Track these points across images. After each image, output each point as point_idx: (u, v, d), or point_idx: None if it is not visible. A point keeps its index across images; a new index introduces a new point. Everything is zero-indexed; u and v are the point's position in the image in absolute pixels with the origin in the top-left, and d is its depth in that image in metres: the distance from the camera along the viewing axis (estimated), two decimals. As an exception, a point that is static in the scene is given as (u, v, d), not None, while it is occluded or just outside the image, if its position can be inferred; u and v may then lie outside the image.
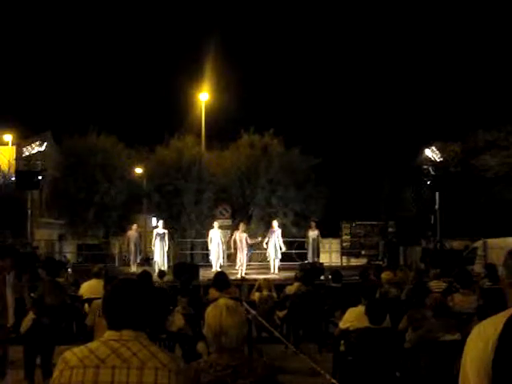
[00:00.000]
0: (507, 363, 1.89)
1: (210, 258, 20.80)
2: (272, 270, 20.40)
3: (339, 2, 62.39)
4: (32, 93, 51.14)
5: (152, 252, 21.18)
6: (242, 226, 20.25)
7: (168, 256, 21.10)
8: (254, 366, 3.21)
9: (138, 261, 21.40)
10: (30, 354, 6.95)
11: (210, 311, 3.28)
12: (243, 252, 19.67)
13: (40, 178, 21.18)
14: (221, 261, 20.74)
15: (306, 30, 65.53)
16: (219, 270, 19.00)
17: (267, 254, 20.76)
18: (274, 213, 27.00)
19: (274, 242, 20.33)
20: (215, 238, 20.57)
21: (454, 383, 5.16)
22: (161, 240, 20.58)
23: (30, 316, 7.08)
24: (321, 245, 23.29)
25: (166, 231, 20.83)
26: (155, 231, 21.00)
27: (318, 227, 21.88)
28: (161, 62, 65.24)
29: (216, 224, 21.21)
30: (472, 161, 26.65)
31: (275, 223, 20.72)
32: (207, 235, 20.98)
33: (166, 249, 20.73)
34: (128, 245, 21.48)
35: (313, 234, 21.63)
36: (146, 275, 8.98)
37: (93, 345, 2.67)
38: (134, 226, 21.87)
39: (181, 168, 27.63)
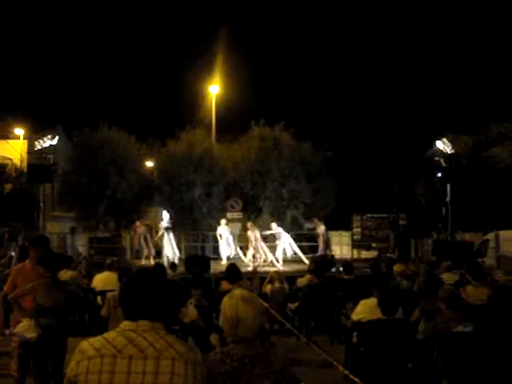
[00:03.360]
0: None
1: (220, 251, 21.05)
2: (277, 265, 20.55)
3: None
4: (43, 87, 51.38)
5: (161, 246, 21.32)
6: (251, 223, 20.61)
7: (179, 248, 21.28)
8: (270, 357, 3.22)
9: (152, 254, 21.54)
10: (41, 362, 6.58)
11: (225, 302, 3.30)
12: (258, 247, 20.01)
13: (52, 171, 21.30)
14: (229, 254, 20.95)
15: (317, 23, 65.32)
16: (229, 262, 19.33)
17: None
18: (285, 206, 27.02)
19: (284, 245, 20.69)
20: (224, 234, 20.86)
21: (466, 374, 5.17)
22: (168, 234, 20.77)
23: (27, 322, 6.73)
24: (331, 237, 23.42)
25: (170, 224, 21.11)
26: (161, 224, 21.16)
27: (323, 222, 22.10)
28: (171, 55, 65.28)
29: (223, 221, 21.48)
30: (483, 153, 26.50)
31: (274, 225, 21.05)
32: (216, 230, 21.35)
33: (175, 241, 20.94)
34: (138, 240, 21.74)
35: (320, 229, 21.82)
36: (159, 267, 9.03)
37: (109, 335, 2.69)
38: (138, 223, 22.20)
39: (191, 161, 27.61)
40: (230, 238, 21.06)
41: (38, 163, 21.89)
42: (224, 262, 19.98)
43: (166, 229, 20.83)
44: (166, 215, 21.23)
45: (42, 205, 22.20)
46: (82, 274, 13.12)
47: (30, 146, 25.46)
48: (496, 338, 4.40)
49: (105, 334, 2.72)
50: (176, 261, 19.37)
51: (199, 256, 20.71)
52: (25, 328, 6.39)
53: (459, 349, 6.21)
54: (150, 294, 2.72)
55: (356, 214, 27.65)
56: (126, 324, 2.69)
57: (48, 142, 21.68)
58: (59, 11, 61.83)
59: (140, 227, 21.97)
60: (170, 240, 20.82)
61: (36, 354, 6.36)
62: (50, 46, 60.78)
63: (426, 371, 6.67)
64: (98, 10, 62.64)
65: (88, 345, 2.65)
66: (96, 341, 2.66)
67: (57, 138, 21.97)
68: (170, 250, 20.68)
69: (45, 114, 39.08)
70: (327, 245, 22.03)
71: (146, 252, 21.43)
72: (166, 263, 18.19)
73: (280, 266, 19.85)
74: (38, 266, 6.66)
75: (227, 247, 20.91)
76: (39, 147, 21.79)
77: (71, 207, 28.54)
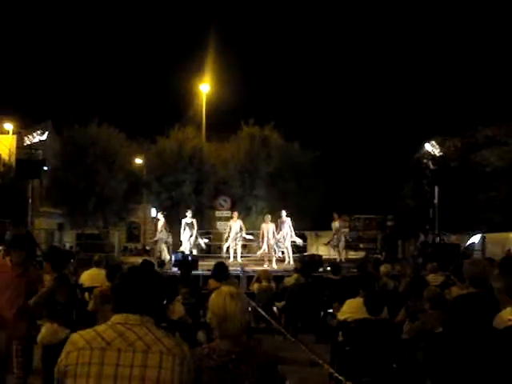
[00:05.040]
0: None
1: (225, 248, 21.26)
2: (287, 260, 20.57)
3: (341, -5, 62.20)
4: (33, 82, 51.14)
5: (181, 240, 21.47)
6: (267, 218, 20.58)
7: (196, 245, 21.47)
8: (255, 353, 3.27)
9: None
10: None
11: (213, 298, 3.35)
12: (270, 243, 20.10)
13: (40, 167, 21.21)
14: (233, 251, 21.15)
15: (306, 24, 65.43)
16: (239, 261, 20.02)
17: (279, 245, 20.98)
18: (273, 205, 27.07)
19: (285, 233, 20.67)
20: (234, 228, 20.97)
21: (450, 374, 5.22)
22: (190, 229, 20.94)
23: (51, 326, 6.52)
24: (320, 238, 23.49)
25: (193, 220, 21.17)
26: (183, 221, 21.23)
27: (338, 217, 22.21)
28: (162, 53, 65.10)
29: (236, 214, 21.61)
30: (471, 156, 26.65)
31: (284, 213, 20.88)
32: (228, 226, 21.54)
33: (193, 238, 21.13)
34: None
35: (335, 224, 21.95)
36: (148, 264, 9.05)
37: (100, 328, 2.73)
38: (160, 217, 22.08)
39: (181, 159, 27.66)
40: (239, 234, 21.25)
41: (26, 159, 21.78)
42: (232, 260, 20.28)
43: (187, 225, 21.04)
44: (188, 212, 21.33)
45: (30, 200, 22.10)
46: (70, 271, 13.11)
47: (19, 141, 25.36)
48: (467, 339, 4.46)
49: (95, 327, 2.76)
50: (204, 245, 20.70)
51: (187, 254, 20.73)
52: (50, 332, 6.31)
53: (443, 349, 6.28)
54: (144, 289, 2.78)
55: (344, 214, 27.74)
56: (116, 318, 2.74)
57: (37, 137, 21.59)
58: (49, 7, 61.58)
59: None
60: (192, 235, 21.04)
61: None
62: (40, 42, 60.54)
63: (411, 371, 6.74)
64: (89, 7, 62.43)
65: (79, 337, 2.70)
66: (87, 333, 2.71)
67: (46, 133, 21.89)
68: (189, 245, 20.94)
69: (34, 110, 38.98)
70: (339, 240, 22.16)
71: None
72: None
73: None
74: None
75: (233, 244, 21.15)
76: (28, 142, 21.70)
77: (59, 203, 28.49)
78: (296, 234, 21.62)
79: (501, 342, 3.11)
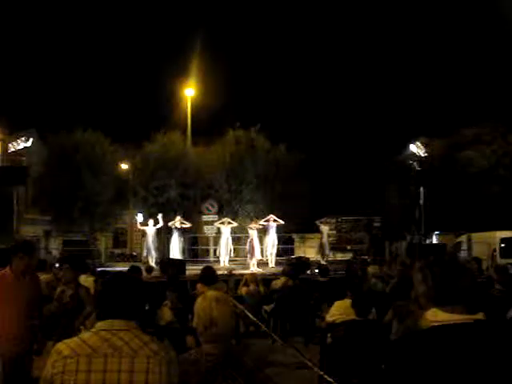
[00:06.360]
0: None
1: (218, 253, 21.31)
2: (271, 265, 20.71)
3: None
4: (16, 89, 50.77)
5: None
6: (254, 222, 20.69)
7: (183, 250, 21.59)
8: (243, 356, 3.27)
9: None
10: None
11: (199, 303, 3.34)
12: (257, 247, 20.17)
13: (25, 173, 21.13)
14: (226, 257, 21.19)
15: (291, 27, 65.55)
16: (227, 265, 19.65)
17: (264, 249, 21.10)
18: (260, 208, 27.07)
19: (272, 237, 20.80)
20: (225, 233, 21.03)
21: (439, 374, 5.23)
22: (179, 235, 20.98)
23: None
24: (306, 240, 23.49)
25: (183, 225, 21.24)
26: (172, 225, 21.29)
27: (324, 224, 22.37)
28: (147, 58, 65.03)
29: (226, 219, 21.68)
30: (456, 156, 26.79)
31: (272, 218, 20.99)
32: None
33: (182, 244, 21.23)
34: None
35: (324, 228, 22.05)
36: (135, 270, 9.02)
37: (85, 335, 2.72)
38: (151, 222, 21.95)
39: (167, 164, 27.60)
40: (230, 239, 21.36)
41: (11, 165, 21.69)
42: (222, 264, 20.30)
43: (177, 229, 21.05)
44: (178, 218, 21.39)
45: (15, 207, 21.96)
46: (56, 277, 13.03)
47: (4, 148, 25.19)
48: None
49: (80, 335, 2.75)
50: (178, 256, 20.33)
51: (174, 259, 20.70)
52: None
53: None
54: (126, 295, 2.77)
55: (331, 216, 27.77)
56: (100, 324, 2.72)
57: (22, 144, 21.54)
58: (34, 14, 61.25)
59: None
60: (180, 242, 21.09)
61: None
62: (24, 49, 60.23)
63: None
64: (74, 14, 62.23)
65: (64, 345, 2.68)
66: (71, 341, 2.69)
67: (31, 140, 21.83)
68: (179, 251, 20.99)
69: (18, 116, 38.65)
70: (323, 248, 22.20)
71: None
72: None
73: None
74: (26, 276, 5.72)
75: (225, 249, 21.18)
76: (13, 149, 21.61)
77: (45, 210, 28.31)
78: (283, 236, 21.68)
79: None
